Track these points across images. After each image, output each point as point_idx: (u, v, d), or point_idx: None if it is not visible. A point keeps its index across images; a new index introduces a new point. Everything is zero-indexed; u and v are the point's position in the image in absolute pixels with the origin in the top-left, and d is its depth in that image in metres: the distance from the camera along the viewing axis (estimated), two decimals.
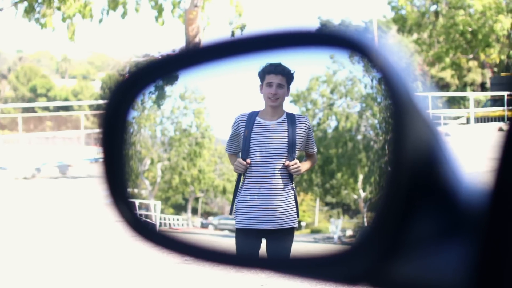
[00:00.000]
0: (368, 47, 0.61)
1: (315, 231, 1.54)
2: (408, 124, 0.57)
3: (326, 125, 1.50)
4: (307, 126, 1.23)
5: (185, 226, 1.77)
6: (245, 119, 1.23)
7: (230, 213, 1.29)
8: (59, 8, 14.64)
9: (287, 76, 1.19)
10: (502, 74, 30.45)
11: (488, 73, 32.18)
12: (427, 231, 0.59)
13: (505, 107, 21.96)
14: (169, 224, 1.73)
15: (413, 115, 0.58)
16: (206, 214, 1.82)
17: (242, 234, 1.23)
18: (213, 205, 1.86)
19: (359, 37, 0.62)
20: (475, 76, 31.70)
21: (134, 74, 0.76)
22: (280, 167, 1.23)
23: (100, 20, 16.29)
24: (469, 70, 30.89)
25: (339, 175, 1.51)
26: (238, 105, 1.31)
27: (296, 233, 1.31)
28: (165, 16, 16.59)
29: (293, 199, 1.23)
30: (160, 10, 16.10)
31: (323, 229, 1.55)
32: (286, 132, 1.22)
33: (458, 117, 18.29)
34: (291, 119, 1.23)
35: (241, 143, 1.25)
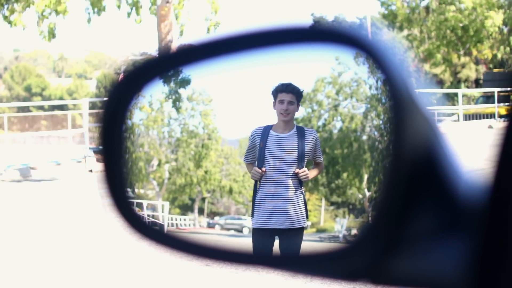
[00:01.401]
0: (369, 43, 0.61)
1: (320, 230, 1.59)
2: (408, 120, 0.57)
3: (331, 126, 1.53)
4: (314, 138, 1.43)
5: (192, 226, 1.79)
6: (260, 132, 1.43)
7: (252, 216, 1.46)
8: (28, 5, 14.04)
9: (297, 94, 1.38)
10: (495, 70, 29.73)
11: (483, 69, 31.50)
12: (426, 227, 0.59)
13: (496, 104, 21.46)
14: (177, 224, 1.75)
15: (413, 111, 0.58)
16: (212, 214, 1.83)
17: (258, 233, 1.42)
18: (219, 205, 1.88)
19: (360, 33, 0.62)
20: (469, 72, 31.06)
21: (132, 72, 0.76)
22: (291, 174, 1.42)
23: (89, 20, 15.93)
24: (463, 66, 30.28)
25: (344, 175, 1.54)
26: (244, 104, 1.34)
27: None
28: (145, 14, 16.31)
29: (303, 202, 1.43)
30: (136, 7, 15.59)
31: (328, 228, 1.59)
32: (296, 144, 1.42)
33: (453, 114, 18.05)
34: (301, 132, 1.43)
35: (257, 154, 1.44)
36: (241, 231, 1.75)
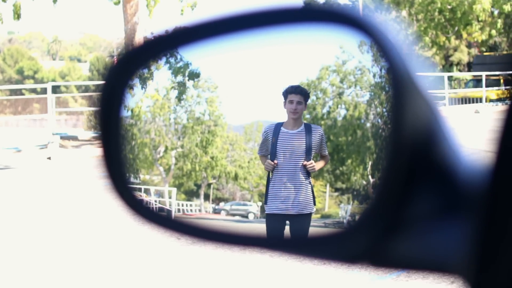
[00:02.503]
0: (369, 24, 0.61)
1: (325, 216, 1.66)
2: (408, 104, 0.58)
3: (336, 114, 1.58)
4: (320, 134, 1.60)
5: (198, 211, 1.81)
6: (272, 128, 1.63)
7: (265, 203, 1.64)
8: None
9: (305, 95, 1.54)
10: (486, 53, 28.91)
11: (475, 52, 30.74)
12: (426, 210, 0.59)
13: (483, 88, 20.99)
14: (183, 210, 1.77)
15: (413, 95, 0.58)
16: (218, 200, 1.86)
17: (271, 217, 1.62)
18: (225, 191, 1.91)
19: (359, 13, 0.62)
20: (462, 55, 30.34)
21: (128, 55, 0.75)
22: (300, 166, 1.61)
23: (55, 0, 15.52)
24: (455, 49, 29.59)
25: (348, 161, 1.58)
26: (248, 89, 1.36)
27: None
28: None
29: (311, 191, 1.61)
30: None
31: (333, 214, 1.65)
32: (304, 139, 1.61)
33: (444, 97, 17.83)
34: (308, 128, 1.61)
35: (269, 148, 1.64)
36: (246, 216, 1.79)
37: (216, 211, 1.78)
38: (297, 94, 1.55)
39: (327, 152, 1.63)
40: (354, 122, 1.47)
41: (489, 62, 28.31)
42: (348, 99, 1.48)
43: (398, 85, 0.58)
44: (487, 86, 23.31)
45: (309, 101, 1.57)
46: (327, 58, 1.29)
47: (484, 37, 25.45)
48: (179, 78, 1.50)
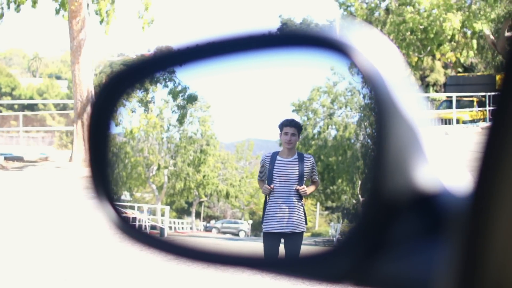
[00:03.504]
0: (350, 47, 0.63)
1: (315, 235, 1.76)
2: (389, 125, 0.59)
3: (326, 134, 1.62)
4: (312, 162, 1.81)
5: (189, 229, 1.82)
6: (269, 157, 1.86)
7: (262, 222, 1.85)
8: None
9: (298, 127, 1.70)
10: (459, 74, 28.73)
11: (452, 73, 30.56)
12: (409, 231, 0.60)
13: (454, 110, 20.82)
14: (175, 228, 1.78)
15: (394, 116, 0.59)
16: (209, 218, 1.88)
17: (267, 236, 1.83)
18: (216, 209, 1.94)
19: (341, 37, 0.63)
20: (438, 76, 30.17)
21: (118, 75, 0.76)
22: (293, 190, 1.86)
23: (1, 15, 15.27)
24: (431, 70, 29.49)
25: (339, 181, 1.60)
26: (239, 108, 1.39)
27: None
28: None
29: (303, 212, 1.83)
30: (63, 3, 14.69)
31: (323, 233, 1.73)
32: (297, 167, 1.83)
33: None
34: (301, 157, 1.83)
35: (266, 174, 1.85)
36: (237, 234, 1.82)
37: (207, 229, 1.81)
38: (292, 127, 1.73)
39: (317, 178, 1.83)
40: (344, 142, 1.52)
41: (463, 83, 28.20)
42: (338, 120, 1.53)
43: (379, 108, 0.60)
44: (461, 107, 23.24)
45: (301, 121, 1.66)
46: (318, 79, 1.31)
47: (462, 59, 25.33)
48: (179, 101, 1.55)
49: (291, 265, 0.65)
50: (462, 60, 25.12)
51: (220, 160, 1.82)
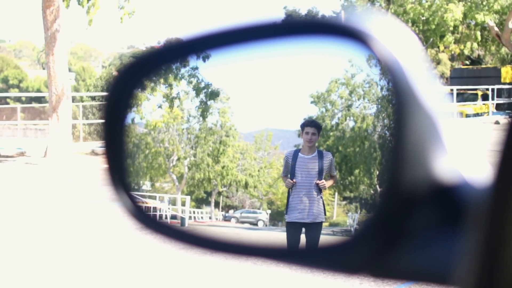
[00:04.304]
0: (369, 36, 0.62)
1: (333, 225, 1.83)
2: (409, 116, 0.58)
3: (344, 125, 1.64)
4: (330, 158, 1.99)
5: (208, 219, 1.84)
6: (292, 154, 2.08)
7: (286, 213, 2.06)
8: None
9: (318, 127, 1.83)
10: (463, 66, 27.80)
11: (459, 66, 29.69)
12: (427, 223, 0.60)
13: (454, 103, 20.17)
14: (195, 217, 1.80)
15: (413, 107, 0.59)
16: (227, 208, 1.91)
17: (290, 225, 2.04)
18: (234, 199, 1.97)
19: (359, 26, 0.63)
20: (445, 68, 29.28)
21: (131, 66, 0.76)
22: (314, 184, 2.07)
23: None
24: (438, 62, 28.63)
25: (356, 171, 1.62)
26: (258, 98, 1.40)
27: None
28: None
29: (322, 204, 2.05)
30: None
31: (341, 223, 1.77)
32: (317, 163, 2.06)
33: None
34: (320, 154, 2.04)
35: (289, 169, 2.08)
36: (256, 224, 1.86)
37: (226, 219, 1.85)
38: (312, 127, 1.89)
39: (335, 173, 1.99)
40: (362, 133, 1.55)
41: (467, 76, 27.32)
42: (356, 112, 1.55)
43: (399, 99, 0.59)
44: (464, 100, 22.56)
45: (319, 113, 1.72)
46: (336, 71, 1.31)
47: (466, 51, 24.57)
48: (202, 97, 1.58)
49: (311, 256, 0.65)
50: (466, 52, 24.42)
51: (239, 150, 1.86)
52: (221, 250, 0.69)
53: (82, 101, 30.21)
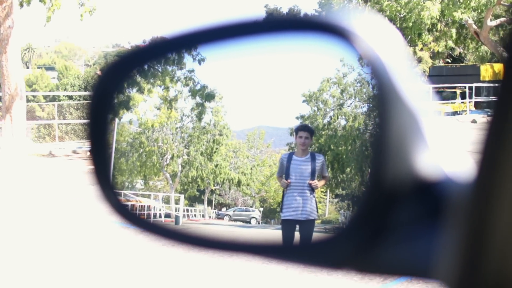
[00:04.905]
0: (353, 33, 0.62)
1: (325, 222, 1.87)
2: (391, 112, 0.59)
3: (336, 124, 1.66)
4: (321, 160, 2.14)
5: (201, 217, 1.84)
6: (287, 156, 2.23)
7: (281, 211, 2.19)
8: None
9: (311, 132, 2.02)
10: (442, 64, 27.53)
11: (440, 64, 29.49)
12: (410, 218, 0.60)
13: (433, 101, 20.11)
14: (188, 215, 1.80)
15: (396, 103, 0.59)
16: (220, 206, 1.91)
17: (285, 222, 2.17)
18: (227, 197, 1.97)
19: (344, 22, 0.63)
20: (426, 67, 29.09)
21: (115, 64, 0.75)
22: (307, 184, 2.17)
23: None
24: (419, 60, 28.44)
25: (348, 169, 1.63)
26: (249, 96, 1.40)
27: None
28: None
29: (315, 203, 2.17)
30: None
31: (333, 220, 1.79)
32: (310, 164, 2.17)
33: None
34: (313, 156, 2.15)
35: (284, 170, 2.24)
36: (249, 221, 1.87)
37: (219, 216, 1.86)
38: (305, 131, 2.02)
39: (327, 174, 2.16)
40: (353, 132, 1.57)
41: (446, 74, 27.19)
42: (348, 110, 1.58)
43: (381, 95, 0.60)
44: (443, 98, 22.41)
45: (311, 112, 1.81)
46: (327, 70, 1.31)
47: (440, 49, 24.35)
48: (197, 99, 1.59)
49: (305, 251, 0.66)
50: (440, 50, 24.19)
51: (232, 148, 1.87)
52: (216, 248, 0.69)
53: (60, 101, 29.89)
